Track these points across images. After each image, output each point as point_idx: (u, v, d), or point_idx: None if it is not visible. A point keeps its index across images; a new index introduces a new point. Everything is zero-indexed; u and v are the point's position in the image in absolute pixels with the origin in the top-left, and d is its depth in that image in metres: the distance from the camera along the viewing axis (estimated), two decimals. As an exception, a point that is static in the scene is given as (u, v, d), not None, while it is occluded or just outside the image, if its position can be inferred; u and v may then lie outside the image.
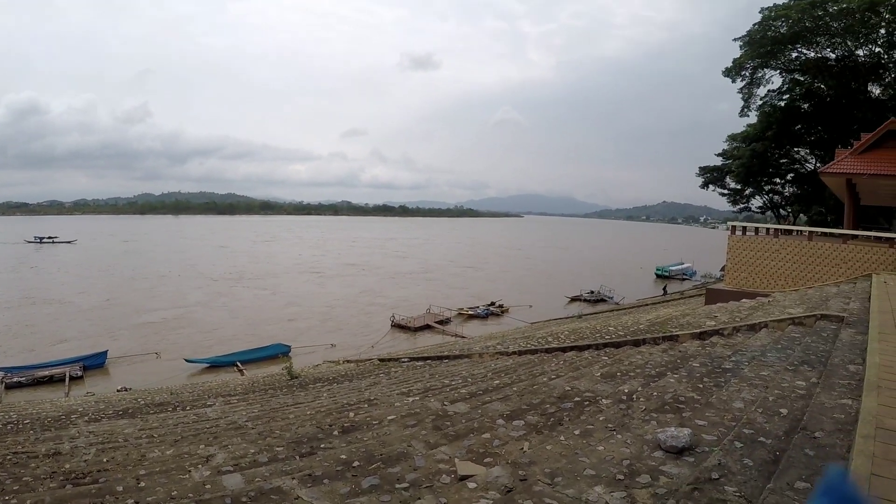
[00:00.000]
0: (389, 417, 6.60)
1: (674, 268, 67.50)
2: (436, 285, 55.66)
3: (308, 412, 8.05)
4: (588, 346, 11.94)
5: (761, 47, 42.79)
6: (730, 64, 45.41)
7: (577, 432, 4.99)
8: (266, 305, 43.65)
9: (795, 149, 49.86)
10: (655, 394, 6.19)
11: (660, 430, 4.37)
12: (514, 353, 13.26)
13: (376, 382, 11.63)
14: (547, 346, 13.09)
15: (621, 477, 3.79)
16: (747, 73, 46.53)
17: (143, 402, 12.84)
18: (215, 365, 27.12)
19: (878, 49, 40.47)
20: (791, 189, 51.89)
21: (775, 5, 41.06)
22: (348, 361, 19.82)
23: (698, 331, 10.56)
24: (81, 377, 25.45)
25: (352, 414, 7.21)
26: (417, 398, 8.05)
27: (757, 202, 58.75)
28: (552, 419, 5.73)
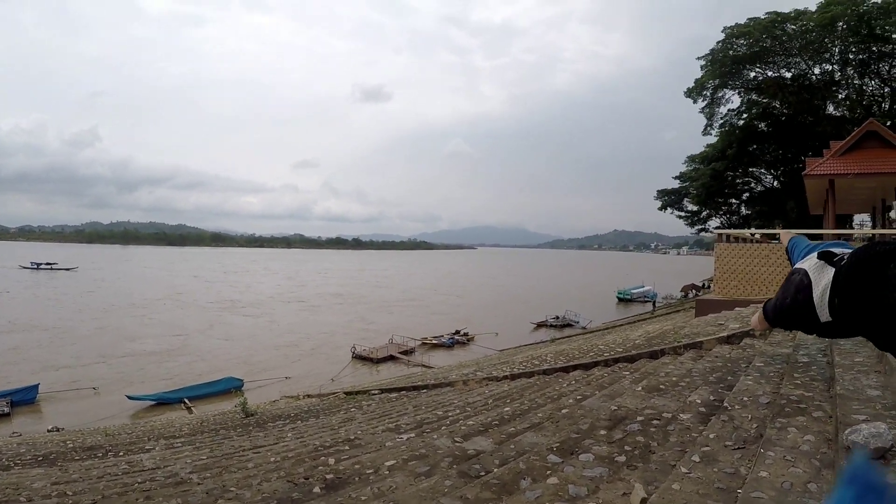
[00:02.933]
0: (388, 463, 4.82)
1: (635, 290, 67.48)
2: (424, 312, 55.73)
3: (272, 459, 6.16)
4: (595, 364, 10.58)
5: (722, 66, 43.85)
6: (682, 89, 46.73)
7: (696, 459, 3.42)
8: (265, 333, 42.78)
9: (751, 168, 50.57)
10: (745, 399, 4.74)
11: (850, 431, 2.86)
12: (505, 377, 11.81)
13: (350, 418, 9.88)
14: (542, 368, 11.65)
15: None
16: (708, 94, 47.56)
17: (71, 446, 10.81)
18: (161, 402, 24.65)
19: (831, 67, 42.24)
20: (749, 209, 52.33)
21: (737, 24, 42.29)
22: (309, 396, 18.21)
23: (725, 334, 9.24)
24: (8, 414, 22.97)
25: (331, 460, 5.39)
26: (413, 435, 6.32)
27: (714, 223, 59.12)
28: (632, 447, 4.17)
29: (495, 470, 4.07)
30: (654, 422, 4.84)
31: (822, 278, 0.80)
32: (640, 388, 6.50)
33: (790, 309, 0.89)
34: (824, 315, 0.78)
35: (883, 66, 40.68)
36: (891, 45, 38.40)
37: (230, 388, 24.91)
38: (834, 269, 0.79)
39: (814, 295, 0.81)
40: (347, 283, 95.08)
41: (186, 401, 24.31)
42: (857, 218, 38.67)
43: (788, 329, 1.03)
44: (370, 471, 4.68)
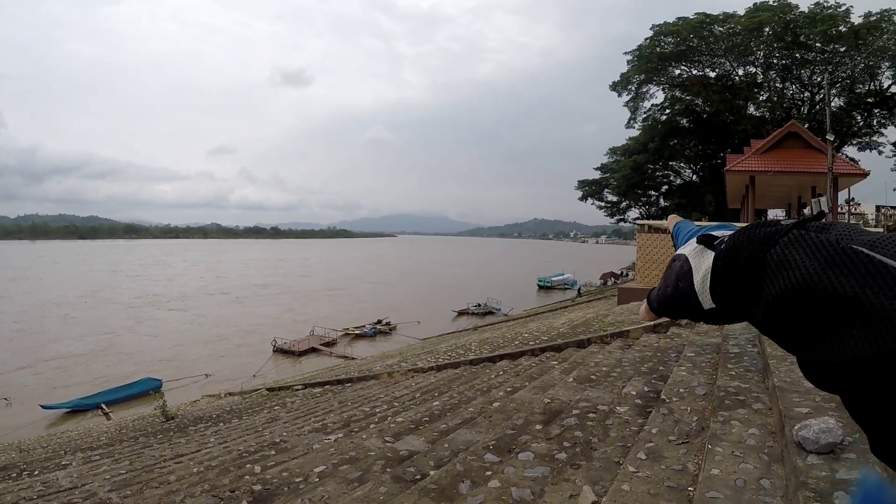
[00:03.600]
0: (317, 469, 4.58)
1: (555, 278, 68.71)
2: (350, 300, 55.20)
3: (195, 469, 5.80)
4: (522, 353, 10.65)
5: (649, 62, 45.14)
6: (606, 84, 47.99)
7: (642, 456, 3.35)
8: (193, 328, 41.37)
9: (671, 162, 52.39)
10: (682, 391, 4.76)
11: (799, 427, 2.83)
12: (430, 368, 11.72)
13: (274, 418, 9.54)
14: (469, 358, 11.62)
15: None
16: (633, 88, 48.84)
17: (-19, 467, 9.85)
18: (77, 409, 23.07)
19: (755, 70, 44.44)
20: (668, 201, 54.25)
21: (666, 23, 43.64)
22: (231, 394, 17.53)
23: (651, 323, 9.40)
24: None
25: (258, 468, 5.09)
26: (341, 435, 6.10)
27: (633, 214, 60.95)
28: (572, 443, 4.09)
29: (432, 473, 3.89)
30: (591, 415, 4.80)
31: (702, 264, 0.78)
32: (571, 380, 6.48)
33: (673, 297, 0.86)
34: (707, 302, 0.75)
35: (804, 71, 42.99)
36: (813, 53, 40.59)
37: (148, 389, 23.71)
38: (714, 254, 0.76)
39: (695, 282, 0.78)
40: (271, 273, 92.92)
41: (104, 406, 22.91)
42: (772, 213, 40.83)
43: (675, 318, 0.94)
44: (299, 479, 4.43)
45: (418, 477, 3.91)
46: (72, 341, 35.69)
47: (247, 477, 4.81)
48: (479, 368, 10.26)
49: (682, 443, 3.57)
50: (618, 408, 4.80)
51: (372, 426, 6.27)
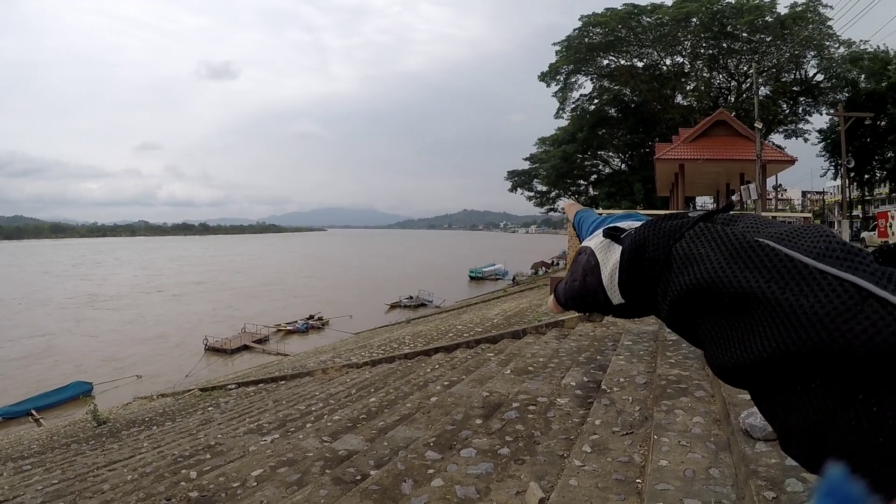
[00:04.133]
0: (255, 473, 4.41)
1: (486, 269, 69.24)
2: (286, 295, 55.21)
3: (129, 477, 5.54)
4: (457, 346, 10.67)
5: (577, 53, 45.57)
6: (533, 75, 48.41)
7: (587, 449, 3.32)
8: (133, 328, 40.43)
9: (600, 151, 53.44)
10: (622, 380, 4.79)
11: (745, 414, 2.86)
12: (365, 363, 11.63)
13: (209, 419, 9.27)
14: (403, 352, 11.58)
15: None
16: (562, 78, 49.24)
17: None
18: (7, 416, 21.87)
19: (682, 59, 45.53)
20: (597, 190, 55.34)
21: (594, 13, 44.18)
22: (163, 395, 17.09)
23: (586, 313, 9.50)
24: None
25: (193, 473, 4.87)
26: (278, 436, 5.92)
27: (563, 203, 61.79)
28: (514, 437, 4.05)
29: (372, 473, 3.77)
30: (531, 408, 4.78)
31: (609, 258, 0.77)
32: (508, 372, 6.47)
33: (581, 292, 0.85)
34: (616, 297, 0.75)
35: (731, 61, 44.32)
36: (739, 43, 41.84)
37: (79, 393, 23.14)
38: (621, 248, 0.75)
39: (602, 277, 0.78)
40: (205, 270, 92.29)
41: (34, 412, 21.88)
42: (700, 200, 42.22)
43: (583, 312, 1.01)
44: (237, 484, 4.25)
45: (359, 478, 3.80)
46: (8, 344, 34.61)
47: (182, 483, 4.63)
48: (415, 362, 10.21)
49: (627, 434, 3.57)
50: (558, 399, 4.79)
51: (308, 425, 6.12)
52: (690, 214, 0.66)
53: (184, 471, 5.12)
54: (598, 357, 6.30)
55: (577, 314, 9.82)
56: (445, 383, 6.87)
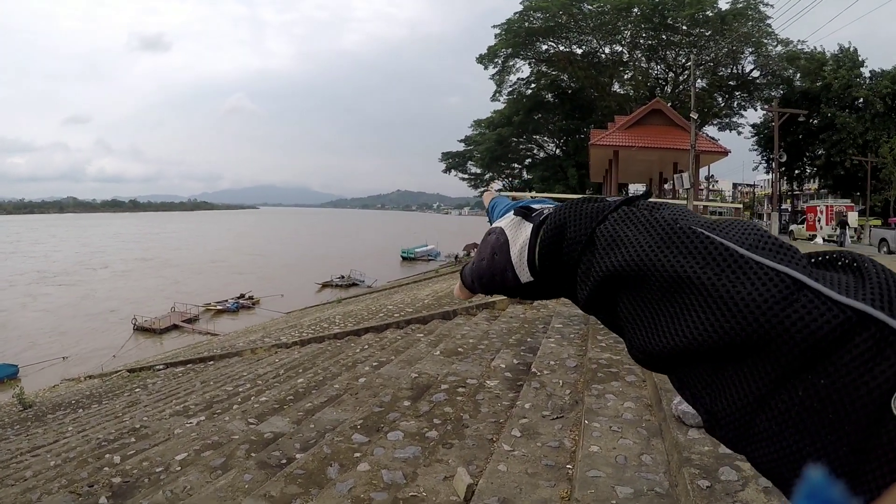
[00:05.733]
0: (179, 457, 4.23)
1: (419, 250, 69.30)
2: (230, 272, 55.20)
3: (52, 462, 5.32)
4: (387, 326, 10.54)
5: (517, 37, 45.48)
6: (470, 57, 47.95)
7: (516, 434, 3.26)
8: (86, 302, 40.16)
9: (535, 136, 53.89)
10: (553, 363, 4.76)
11: (678, 401, 2.84)
12: (294, 343, 11.45)
13: (135, 401, 9.00)
14: (333, 332, 11.41)
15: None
16: (500, 62, 49.04)
17: None
18: None
19: (621, 48, 46.06)
20: (531, 174, 55.89)
21: None
22: (91, 377, 16.52)
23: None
24: None
25: (117, 458, 4.64)
26: (203, 418, 5.71)
27: (497, 186, 62.14)
28: (442, 420, 3.96)
29: (298, 457, 3.63)
30: (460, 390, 4.70)
31: (519, 235, 0.77)
32: (438, 353, 6.39)
33: (488, 270, 0.84)
34: (525, 275, 0.74)
35: (670, 53, 45.23)
36: (679, 35, 42.74)
37: (3, 376, 22.13)
38: (531, 225, 0.75)
39: (511, 254, 0.77)
40: (147, 247, 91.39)
41: None
42: (633, 188, 43.13)
43: (490, 293, 0.94)
44: (160, 469, 4.09)
45: (284, 461, 3.67)
46: None
47: (106, 468, 4.42)
48: (344, 342, 10.05)
49: (557, 418, 3.53)
50: (488, 382, 4.73)
51: (235, 407, 5.93)
52: (610, 199, 0.64)
53: (107, 455, 4.92)
54: (529, 339, 6.28)
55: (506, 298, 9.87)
56: (374, 364, 6.75)
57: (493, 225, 0.92)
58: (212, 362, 11.91)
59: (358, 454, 3.51)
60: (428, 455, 3.31)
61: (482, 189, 63.30)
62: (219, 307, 36.38)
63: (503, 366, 5.21)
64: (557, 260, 0.67)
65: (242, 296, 39.00)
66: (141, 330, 30.94)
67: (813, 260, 0.47)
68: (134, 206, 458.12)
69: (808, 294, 0.41)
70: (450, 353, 6.33)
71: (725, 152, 26.52)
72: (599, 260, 0.58)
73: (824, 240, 27.17)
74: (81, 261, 69.26)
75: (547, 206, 0.84)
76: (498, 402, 4.18)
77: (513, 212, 0.84)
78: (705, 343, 0.44)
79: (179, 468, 4.04)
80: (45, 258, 74.77)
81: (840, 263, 0.46)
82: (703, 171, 31.76)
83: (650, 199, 0.63)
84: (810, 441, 0.38)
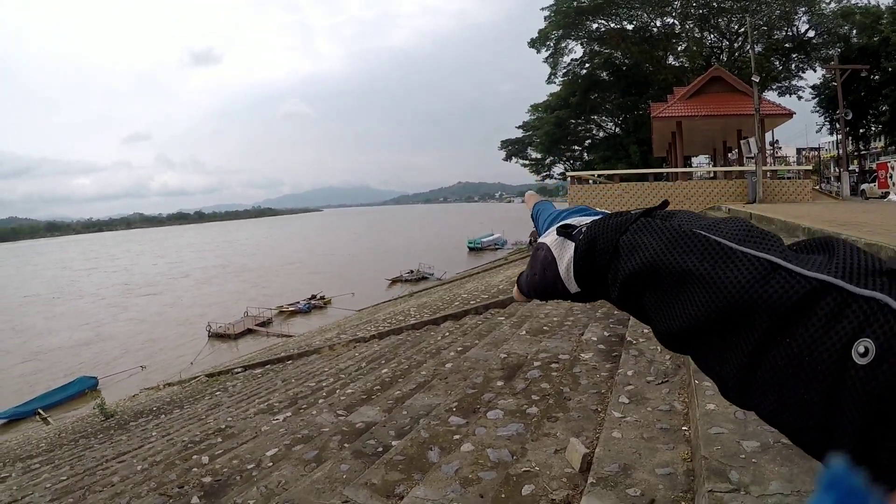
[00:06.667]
0: (269, 453, 4.23)
1: (485, 239, 69.06)
2: (305, 272, 56.97)
3: (139, 467, 5.38)
4: (465, 313, 10.48)
5: (566, 17, 44.83)
6: (518, 43, 47.48)
7: (624, 400, 3.14)
8: (173, 310, 42.26)
9: (593, 116, 53.03)
10: (646, 330, 4.61)
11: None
12: (372, 337, 11.45)
13: (217, 403, 9.11)
14: (410, 323, 11.41)
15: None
16: (552, 44, 48.41)
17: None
18: (14, 418, 21.78)
19: (672, 20, 45.09)
20: (592, 155, 55.02)
21: None
22: (169, 384, 16.89)
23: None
24: None
25: (205, 458, 4.69)
26: (290, 413, 5.75)
27: (558, 170, 61.61)
28: (541, 396, 3.87)
29: (394, 444, 3.59)
30: (554, 365, 4.61)
31: (564, 254, 0.87)
32: (524, 333, 6.31)
33: (541, 284, 0.95)
34: (573, 287, 0.85)
35: (721, 20, 43.76)
36: (729, 2, 41.33)
37: (85, 388, 22.91)
38: (574, 244, 0.85)
39: (559, 270, 0.87)
40: (221, 254, 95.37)
41: (41, 411, 21.80)
42: (696, 160, 41.89)
43: (545, 300, 1.04)
44: (251, 465, 4.08)
45: (381, 449, 3.62)
46: (66, 332, 36.46)
47: (195, 469, 4.44)
48: (423, 332, 10.04)
49: (662, 382, 3.39)
50: (582, 355, 4.62)
51: (321, 401, 5.94)
52: (632, 212, 0.74)
53: (195, 456, 4.96)
54: (616, 312, 6.11)
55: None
56: (459, 349, 6.70)
57: (541, 240, 1.02)
58: (290, 361, 12.05)
59: (458, 436, 3.46)
60: (534, 430, 3.23)
61: (544, 175, 62.77)
62: (291, 309, 36.90)
63: (594, 339, 5.09)
64: (592, 268, 0.78)
65: (314, 296, 39.48)
66: (216, 336, 31.78)
67: (794, 247, 0.56)
68: (199, 217, 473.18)
69: (782, 272, 0.50)
70: (536, 331, 6.24)
71: (790, 114, 25.45)
72: (623, 264, 0.69)
73: None
74: (162, 272, 72.56)
75: (585, 217, 0.94)
76: (596, 373, 4.07)
77: (555, 231, 0.92)
78: (707, 319, 0.54)
79: (271, 463, 4.05)
80: (126, 271, 78.46)
81: (816, 246, 0.55)
82: (767, 137, 30.63)
83: (665, 210, 0.74)
84: (794, 392, 0.45)
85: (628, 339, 4.50)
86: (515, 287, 1.16)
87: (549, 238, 0.96)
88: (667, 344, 0.65)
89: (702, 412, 2.60)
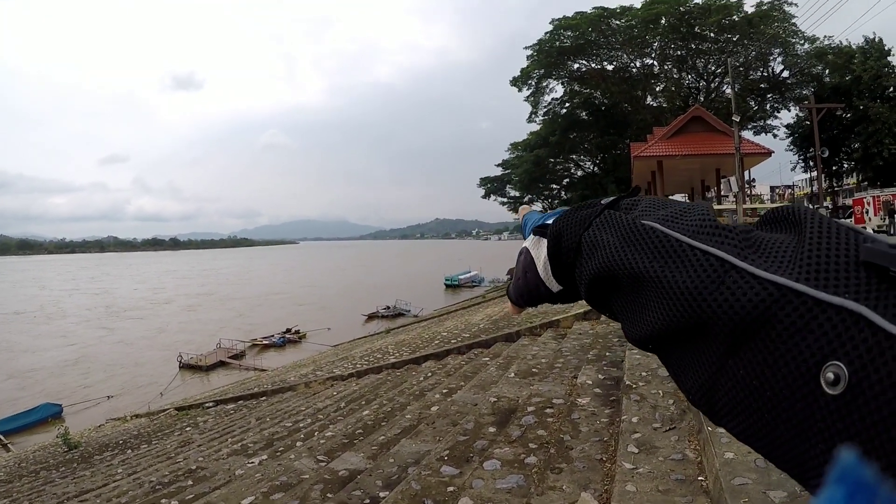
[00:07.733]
0: (245, 501, 3.93)
1: (462, 276, 69.16)
2: (291, 302, 58.31)
3: None
4: (447, 352, 10.34)
5: (548, 57, 46.14)
6: (498, 81, 49.10)
7: (633, 450, 3.00)
8: (160, 335, 42.45)
9: (572, 155, 53.82)
10: (645, 374, 4.54)
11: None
12: (351, 375, 11.25)
13: (187, 440, 8.77)
14: (390, 362, 11.23)
15: None
16: (533, 83, 49.70)
17: None
18: None
19: (651, 61, 46.55)
20: (570, 193, 55.60)
21: (565, 17, 44.84)
22: (137, 416, 16.49)
23: (581, 311, 9.34)
24: None
25: (174, 503, 4.42)
26: (266, 457, 5.46)
27: (537, 207, 61.98)
28: (539, 444, 3.69)
29: (382, 495, 3.38)
30: (548, 411, 4.45)
31: (540, 253, 0.80)
32: (512, 375, 6.14)
33: (525, 288, 0.86)
34: (554, 287, 0.77)
35: (700, 61, 45.29)
36: (707, 43, 42.85)
37: (48, 415, 22.28)
38: (546, 241, 0.78)
39: (539, 270, 0.80)
40: (203, 282, 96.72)
41: (1, 437, 21.08)
42: (675, 198, 42.34)
43: (534, 305, 0.90)
44: None
45: (368, 501, 3.40)
46: (50, 352, 36.71)
47: None
48: (404, 371, 9.85)
49: (670, 429, 3.26)
50: (578, 400, 4.47)
51: (299, 443, 5.68)
52: (602, 201, 0.66)
53: (163, 500, 4.65)
54: (608, 354, 6.00)
55: (571, 314, 9.59)
56: (444, 391, 6.51)
57: (523, 245, 0.93)
58: (264, 398, 11.78)
59: (452, 488, 3.27)
60: (537, 482, 3.05)
61: (518, 205, 63.17)
62: (265, 342, 36.57)
63: (589, 382, 4.95)
64: (562, 267, 0.71)
65: (289, 330, 39.23)
66: (188, 367, 31.24)
67: (759, 223, 0.50)
68: (175, 244, 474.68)
69: (734, 274, 0.42)
70: (525, 374, 6.08)
71: (769, 153, 26.20)
72: (585, 265, 0.63)
73: (874, 231, 26.26)
74: (144, 296, 73.13)
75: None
76: (596, 419, 3.92)
77: (533, 231, 0.85)
78: (664, 329, 0.47)
79: (251, 517, 3.79)
80: (108, 294, 78.96)
81: (783, 219, 0.48)
82: (745, 175, 31.41)
83: (634, 198, 0.65)
84: (760, 418, 0.39)
85: (627, 382, 4.37)
86: (508, 302, 1.02)
87: (528, 241, 0.89)
88: (636, 346, 0.57)
89: (721, 462, 2.47)
